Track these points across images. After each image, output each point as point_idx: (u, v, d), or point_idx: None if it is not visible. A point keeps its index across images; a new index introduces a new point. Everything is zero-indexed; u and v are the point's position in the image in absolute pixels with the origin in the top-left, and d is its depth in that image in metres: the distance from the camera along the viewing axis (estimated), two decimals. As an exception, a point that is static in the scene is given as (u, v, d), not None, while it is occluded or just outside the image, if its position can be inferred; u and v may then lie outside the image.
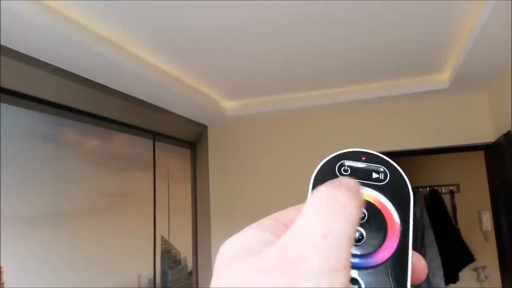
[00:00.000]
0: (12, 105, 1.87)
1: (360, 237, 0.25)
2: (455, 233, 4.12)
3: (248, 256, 0.23)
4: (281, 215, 0.27)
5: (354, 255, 0.24)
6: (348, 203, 0.23)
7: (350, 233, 0.23)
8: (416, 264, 0.25)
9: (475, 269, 4.11)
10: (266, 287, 0.21)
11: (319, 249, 0.22)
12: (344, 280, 0.21)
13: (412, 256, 0.25)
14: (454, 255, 4.00)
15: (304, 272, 0.21)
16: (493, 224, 2.98)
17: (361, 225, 0.25)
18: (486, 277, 4.04)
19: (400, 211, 0.26)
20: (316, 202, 0.24)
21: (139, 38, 1.95)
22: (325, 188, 0.24)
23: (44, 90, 2.01)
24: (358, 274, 0.24)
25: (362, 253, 0.24)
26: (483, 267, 4.06)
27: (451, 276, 3.99)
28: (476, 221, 4.18)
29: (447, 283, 3.95)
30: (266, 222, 0.26)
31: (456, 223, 4.21)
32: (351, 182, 0.25)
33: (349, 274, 0.22)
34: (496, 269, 3.18)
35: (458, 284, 4.08)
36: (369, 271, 0.24)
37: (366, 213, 0.26)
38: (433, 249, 3.84)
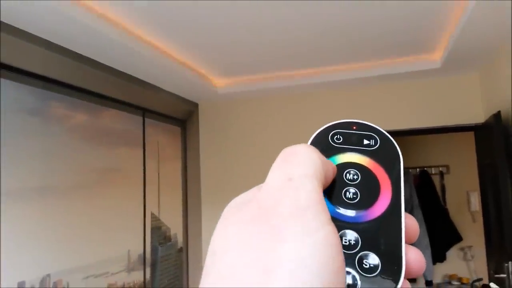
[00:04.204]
0: (-2, 78, 1.85)
1: (354, 196, 0.27)
2: (444, 213, 4.17)
3: (237, 210, 0.25)
4: None
5: (350, 212, 0.26)
6: (308, 151, 0.26)
7: (314, 173, 0.24)
8: (408, 223, 0.26)
9: (462, 249, 4.18)
10: (250, 234, 0.22)
11: (288, 191, 0.23)
12: (323, 218, 0.22)
13: (405, 215, 0.26)
14: (442, 235, 4.06)
15: (280, 215, 0.22)
16: (481, 205, 3.01)
17: (356, 185, 0.27)
18: (472, 256, 4.12)
19: (391, 172, 0.28)
20: (280, 156, 0.26)
21: (130, 13, 1.92)
22: (288, 147, 0.27)
23: (32, 63, 1.98)
24: (355, 229, 0.25)
25: (358, 209, 0.26)
26: (470, 247, 4.13)
27: (438, 255, 4.06)
28: (465, 202, 4.23)
29: (434, 262, 4.02)
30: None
31: (445, 203, 4.26)
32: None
33: (326, 210, 0.23)
34: (482, 248, 3.23)
35: (445, 263, 4.15)
36: (365, 225, 0.26)
37: (360, 175, 0.28)
38: (421, 229, 3.89)
